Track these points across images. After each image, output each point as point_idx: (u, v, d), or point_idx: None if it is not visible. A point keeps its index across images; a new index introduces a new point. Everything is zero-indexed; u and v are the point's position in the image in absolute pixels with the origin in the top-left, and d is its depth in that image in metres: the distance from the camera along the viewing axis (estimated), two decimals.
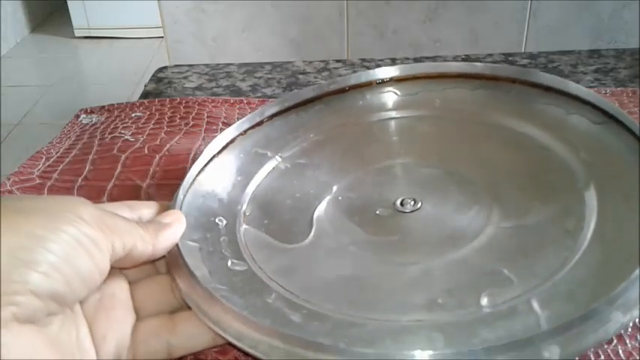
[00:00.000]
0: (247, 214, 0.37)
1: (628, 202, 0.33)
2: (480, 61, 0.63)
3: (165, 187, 0.41)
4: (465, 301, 0.29)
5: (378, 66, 0.63)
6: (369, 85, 0.44)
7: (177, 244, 0.31)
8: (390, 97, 0.44)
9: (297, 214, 0.37)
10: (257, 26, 0.71)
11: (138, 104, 0.53)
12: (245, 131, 0.41)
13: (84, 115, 0.52)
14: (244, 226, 0.36)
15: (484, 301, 0.29)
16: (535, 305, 0.28)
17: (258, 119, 0.42)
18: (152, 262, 0.31)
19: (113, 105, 0.53)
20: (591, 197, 0.34)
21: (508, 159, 0.39)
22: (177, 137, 0.47)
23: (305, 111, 0.43)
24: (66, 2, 2.61)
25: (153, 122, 0.49)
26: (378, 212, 0.36)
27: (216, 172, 0.39)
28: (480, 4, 0.70)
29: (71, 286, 0.25)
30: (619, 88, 0.53)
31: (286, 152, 0.41)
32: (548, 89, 0.41)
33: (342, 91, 0.44)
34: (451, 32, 0.72)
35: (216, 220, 0.36)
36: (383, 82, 0.44)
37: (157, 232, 0.30)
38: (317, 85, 0.44)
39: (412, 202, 0.36)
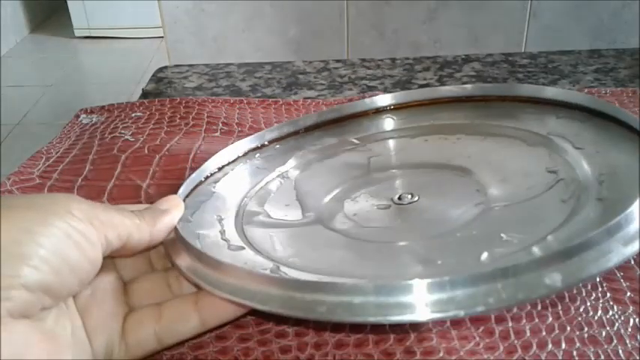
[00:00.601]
0: (247, 210, 0.38)
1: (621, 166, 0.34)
2: (480, 61, 0.63)
3: (165, 187, 0.41)
4: (465, 260, 0.30)
5: (378, 66, 0.63)
6: (365, 114, 0.46)
7: (176, 229, 0.31)
8: (385, 123, 0.46)
9: (295, 205, 0.38)
10: (257, 26, 0.71)
11: (138, 104, 0.53)
12: (245, 153, 0.42)
13: (84, 115, 0.52)
14: (244, 221, 0.37)
15: (484, 256, 0.29)
16: (536, 250, 0.29)
17: (257, 143, 0.43)
18: (149, 249, 0.31)
19: (113, 105, 0.53)
20: (586, 174, 0.35)
21: (503, 155, 0.40)
22: (177, 137, 0.47)
23: (303, 137, 0.44)
24: (66, 2, 2.62)
25: (153, 122, 0.49)
26: (376, 206, 0.37)
27: (217, 180, 0.40)
28: (480, 4, 0.70)
29: (62, 279, 0.25)
30: (619, 88, 0.53)
31: (285, 168, 0.42)
32: (536, 101, 0.42)
33: (340, 119, 0.45)
34: (451, 32, 0.72)
35: (215, 216, 0.36)
36: (378, 111, 0.46)
37: (154, 219, 0.30)
38: (315, 113, 0.45)
39: (410, 196, 0.37)
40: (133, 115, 0.51)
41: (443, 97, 0.45)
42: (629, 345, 0.29)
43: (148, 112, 0.51)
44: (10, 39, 2.64)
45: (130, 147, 0.46)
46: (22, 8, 2.77)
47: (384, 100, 0.46)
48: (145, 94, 0.59)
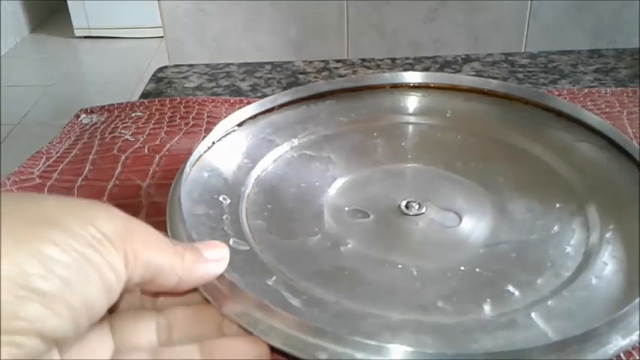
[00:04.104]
0: (251, 197, 0.37)
1: (630, 227, 0.33)
2: (480, 61, 0.63)
3: (165, 187, 0.41)
4: (465, 308, 0.29)
5: (378, 66, 0.63)
6: (382, 87, 0.45)
7: (184, 219, 0.30)
8: (401, 102, 0.45)
9: (300, 203, 0.37)
10: (257, 26, 0.71)
11: (138, 104, 0.53)
12: (255, 116, 0.41)
13: (84, 115, 0.52)
14: (247, 207, 0.36)
15: (485, 309, 0.29)
16: (536, 319, 0.28)
17: (269, 106, 0.42)
18: (172, 294, 0.27)
19: (113, 105, 0.53)
20: (594, 222, 0.34)
21: (515, 176, 0.39)
22: (177, 137, 0.47)
23: (316, 104, 0.43)
24: (66, 2, 2.61)
25: (153, 122, 0.49)
26: (382, 212, 0.36)
27: (224, 151, 0.39)
28: (480, 4, 0.70)
29: (78, 325, 0.21)
30: (619, 88, 0.53)
31: (295, 142, 0.41)
32: (559, 114, 0.41)
33: (356, 89, 0.44)
34: (451, 32, 0.72)
35: (220, 198, 0.36)
36: (396, 87, 0.44)
37: (192, 265, 0.26)
38: (331, 80, 0.44)
39: (417, 206, 0.36)
40: (133, 115, 0.51)
41: (462, 86, 0.44)
42: None
43: (148, 112, 0.51)
44: (10, 39, 2.63)
45: (130, 147, 0.46)
46: (22, 8, 2.76)
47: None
48: (145, 94, 0.59)
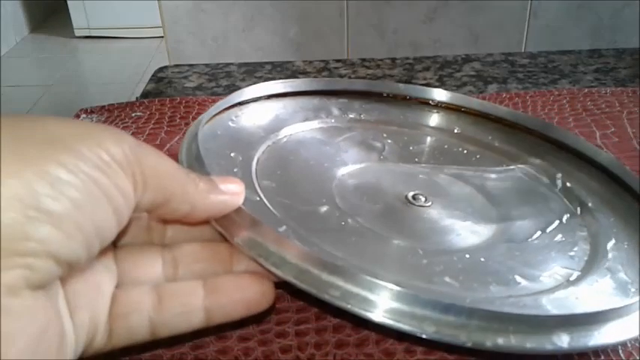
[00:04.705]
0: (261, 160, 0.37)
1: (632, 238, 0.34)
2: (480, 61, 0.63)
3: None
4: (472, 286, 0.29)
5: (378, 66, 0.63)
6: (395, 97, 0.46)
7: (201, 157, 0.29)
8: (411, 112, 0.45)
9: (309, 176, 0.37)
10: (257, 26, 0.71)
11: (138, 104, 0.53)
12: (270, 96, 0.42)
13: (84, 115, 0.52)
14: (257, 169, 0.36)
15: (492, 290, 0.29)
16: (544, 303, 0.28)
17: (282, 90, 0.43)
18: (182, 223, 0.27)
19: (113, 105, 0.53)
20: (595, 231, 0.35)
21: (520, 190, 0.39)
22: (178, 137, 0.47)
23: (328, 99, 0.44)
24: (66, 2, 2.62)
25: (153, 122, 0.49)
26: (389, 198, 0.36)
27: (240, 114, 0.40)
28: (480, 4, 0.70)
29: (90, 248, 0.20)
30: (619, 88, 0.53)
31: (308, 126, 0.42)
32: (562, 146, 0.41)
33: (376, 94, 0.46)
34: (451, 32, 0.72)
35: (231, 154, 0.36)
36: (409, 99, 0.46)
37: (207, 194, 0.25)
38: (348, 79, 0.45)
39: (424, 199, 0.36)
40: (133, 115, 0.51)
41: (470, 108, 0.45)
42: (629, 345, 0.29)
43: (148, 112, 0.51)
44: (10, 39, 2.64)
45: None
46: (22, 8, 2.76)
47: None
48: (145, 94, 0.59)
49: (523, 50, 0.73)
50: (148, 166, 0.22)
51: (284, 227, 0.30)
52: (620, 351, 0.28)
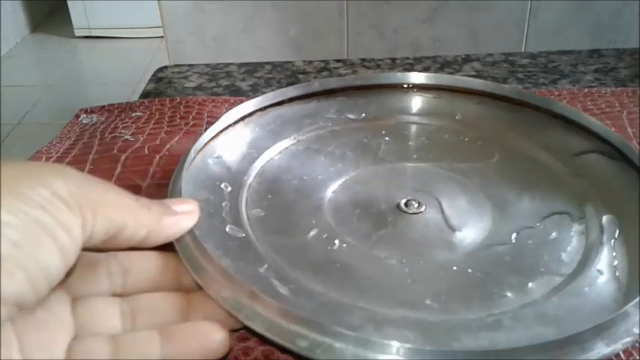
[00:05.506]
0: (253, 185, 0.37)
1: (629, 239, 0.33)
2: (480, 61, 0.63)
3: (165, 187, 0.41)
4: (452, 307, 0.29)
5: (378, 66, 0.63)
6: (394, 87, 0.45)
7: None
8: (412, 102, 0.45)
9: (301, 196, 0.37)
10: (257, 26, 0.71)
11: (138, 104, 0.53)
12: (264, 108, 0.42)
13: (84, 115, 0.52)
14: (248, 196, 0.36)
15: (472, 309, 0.29)
16: (521, 322, 0.28)
17: (279, 99, 0.42)
18: (143, 249, 0.27)
19: (113, 105, 0.53)
20: (593, 230, 0.34)
21: (519, 182, 0.39)
22: (178, 137, 0.47)
23: (326, 100, 0.44)
24: (66, 2, 2.61)
25: (153, 122, 0.49)
26: (381, 208, 0.36)
27: (229, 141, 0.40)
28: (480, 4, 0.70)
29: (37, 287, 0.20)
30: (619, 88, 0.53)
31: (301, 135, 0.42)
32: (569, 122, 0.41)
33: (366, 87, 0.45)
34: (451, 32, 0.72)
35: (221, 185, 0.36)
36: (408, 87, 0.45)
37: (160, 216, 0.26)
38: (342, 77, 0.44)
39: (416, 205, 0.36)
40: (133, 115, 0.51)
41: (474, 89, 0.44)
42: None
43: (148, 112, 0.51)
44: (10, 39, 2.63)
45: (130, 147, 0.46)
46: (22, 8, 2.76)
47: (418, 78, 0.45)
48: (145, 94, 0.59)
49: (523, 50, 0.73)
50: (95, 198, 0.22)
51: (265, 266, 0.31)
52: (620, 351, 0.28)
